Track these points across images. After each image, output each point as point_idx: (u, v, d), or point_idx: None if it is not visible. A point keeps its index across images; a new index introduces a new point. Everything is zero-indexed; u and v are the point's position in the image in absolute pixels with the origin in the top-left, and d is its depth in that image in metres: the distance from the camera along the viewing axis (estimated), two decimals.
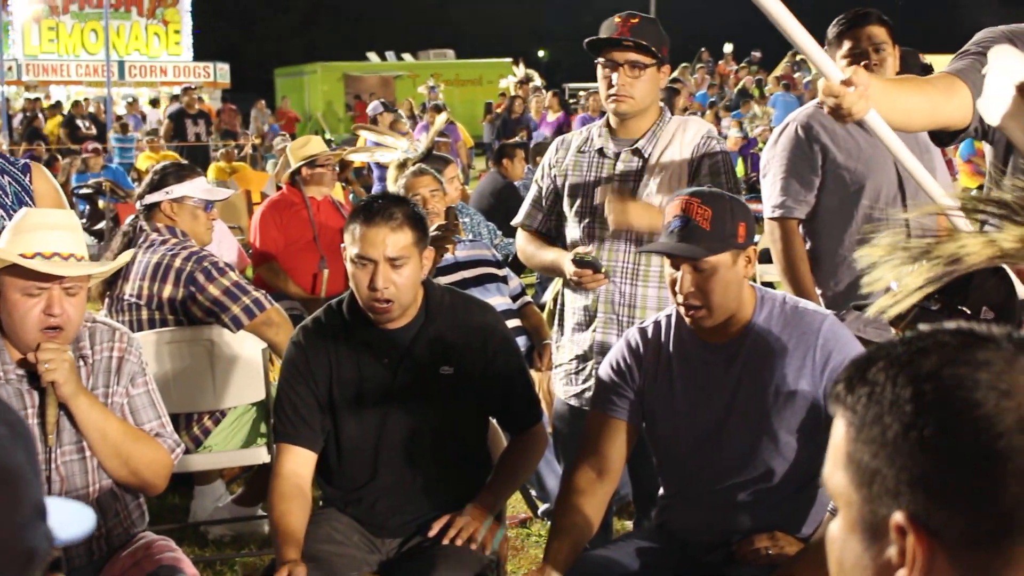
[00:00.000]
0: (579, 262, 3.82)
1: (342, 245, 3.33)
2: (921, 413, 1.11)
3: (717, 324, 2.99)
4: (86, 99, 29.06)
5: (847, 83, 2.62)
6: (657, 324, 3.16)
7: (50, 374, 3.01)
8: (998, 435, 1.07)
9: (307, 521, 3.26)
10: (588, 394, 3.78)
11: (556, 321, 4.16)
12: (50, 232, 3.04)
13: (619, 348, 3.20)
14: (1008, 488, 1.07)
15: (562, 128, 20.62)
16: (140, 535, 3.25)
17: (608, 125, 3.97)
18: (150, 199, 4.71)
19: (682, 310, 2.99)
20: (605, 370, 3.20)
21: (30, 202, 4.09)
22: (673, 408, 3.09)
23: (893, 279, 1.47)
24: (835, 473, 1.20)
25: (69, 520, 1.09)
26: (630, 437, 3.16)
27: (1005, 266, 2.58)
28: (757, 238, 3.21)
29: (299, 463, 3.32)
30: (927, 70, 6.19)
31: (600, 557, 3.14)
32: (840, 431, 1.20)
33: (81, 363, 3.17)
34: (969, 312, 2.42)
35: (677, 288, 2.95)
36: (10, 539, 1.00)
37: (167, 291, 4.49)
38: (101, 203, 13.82)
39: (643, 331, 3.17)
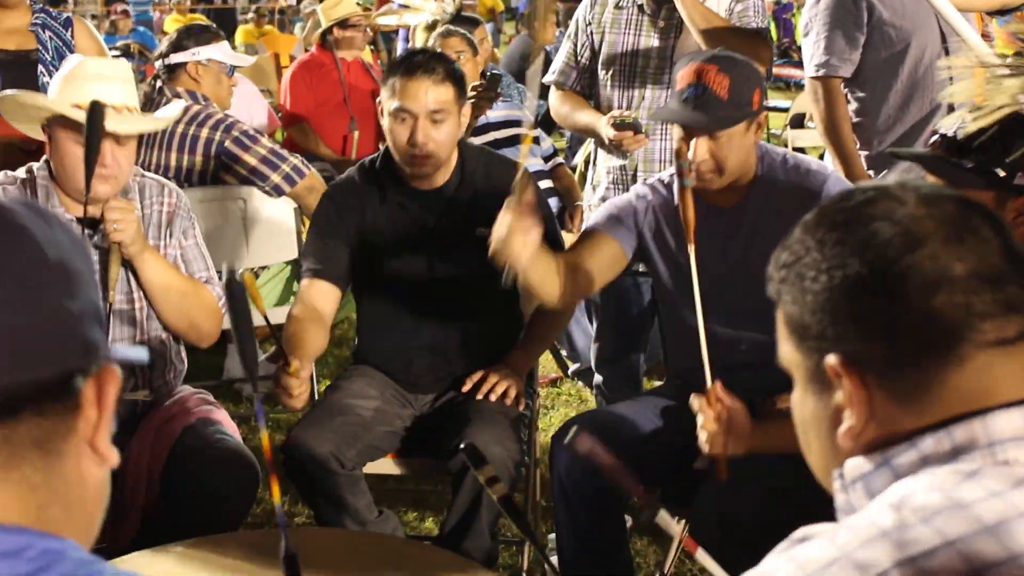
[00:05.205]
0: (620, 125, 3.74)
1: (378, 100, 3.30)
2: (827, 257, 1.20)
3: (724, 186, 2.97)
4: None
5: None
6: (668, 184, 3.13)
7: (118, 234, 2.99)
8: (894, 259, 1.16)
9: (321, 345, 3.25)
10: None
11: (589, 182, 4.12)
12: (104, 83, 3.01)
13: (632, 192, 3.19)
14: (913, 304, 1.15)
15: None
16: (179, 389, 3.29)
17: None
18: (175, 59, 4.60)
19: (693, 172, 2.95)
20: (611, 202, 3.20)
21: None
22: (679, 270, 3.06)
23: (973, 96, 1.49)
24: (783, 347, 1.29)
25: (127, 350, 1.11)
26: (614, 263, 3.12)
27: None
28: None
29: (322, 295, 3.30)
30: None
31: (617, 415, 3.13)
32: (779, 314, 1.29)
33: None
34: (1004, 174, 2.33)
35: (690, 155, 2.91)
36: (71, 323, 1.01)
37: (198, 162, 4.41)
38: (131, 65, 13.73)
39: (653, 187, 3.16)
